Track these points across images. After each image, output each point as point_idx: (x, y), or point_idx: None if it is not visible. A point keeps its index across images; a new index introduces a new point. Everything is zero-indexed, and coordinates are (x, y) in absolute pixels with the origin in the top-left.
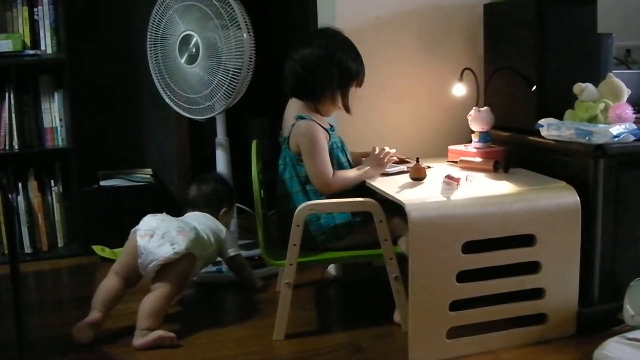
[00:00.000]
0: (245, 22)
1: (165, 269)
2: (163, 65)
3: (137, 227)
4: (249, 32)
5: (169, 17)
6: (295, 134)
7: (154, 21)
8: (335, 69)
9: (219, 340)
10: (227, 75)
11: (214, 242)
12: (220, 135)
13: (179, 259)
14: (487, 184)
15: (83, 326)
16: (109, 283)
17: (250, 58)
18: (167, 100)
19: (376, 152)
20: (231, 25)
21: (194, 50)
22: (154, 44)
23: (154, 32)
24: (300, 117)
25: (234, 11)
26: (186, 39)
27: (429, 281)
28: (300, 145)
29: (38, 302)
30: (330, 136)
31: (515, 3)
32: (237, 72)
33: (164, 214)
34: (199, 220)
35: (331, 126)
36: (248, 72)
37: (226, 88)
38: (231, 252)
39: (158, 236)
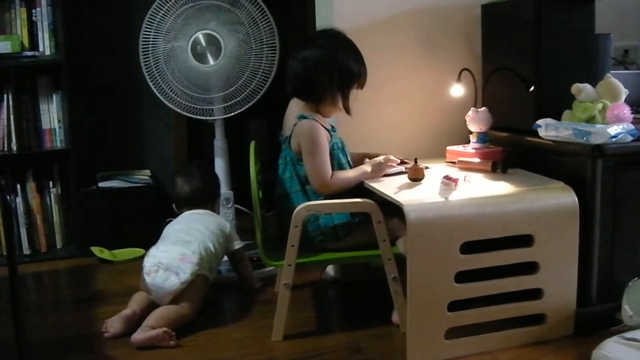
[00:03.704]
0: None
1: (182, 293)
2: (166, 67)
3: (146, 258)
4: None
5: (183, 17)
6: (297, 134)
7: (154, 22)
8: (336, 70)
9: (218, 341)
10: (256, 76)
11: (223, 241)
12: (219, 137)
13: (191, 283)
14: (485, 185)
15: (115, 319)
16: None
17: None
18: (168, 104)
19: (381, 159)
20: (264, 27)
21: (212, 50)
22: (154, 44)
23: (153, 30)
24: (303, 117)
25: (267, 14)
26: (200, 39)
27: (427, 282)
28: (301, 145)
29: (37, 304)
30: (331, 137)
31: (513, 4)
32: (267, 73)
33: (167, 237)
34: (206, 224)
35: (332, 127)
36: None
37: (253, 87)
38: (236, 245)
39: (163, 270)
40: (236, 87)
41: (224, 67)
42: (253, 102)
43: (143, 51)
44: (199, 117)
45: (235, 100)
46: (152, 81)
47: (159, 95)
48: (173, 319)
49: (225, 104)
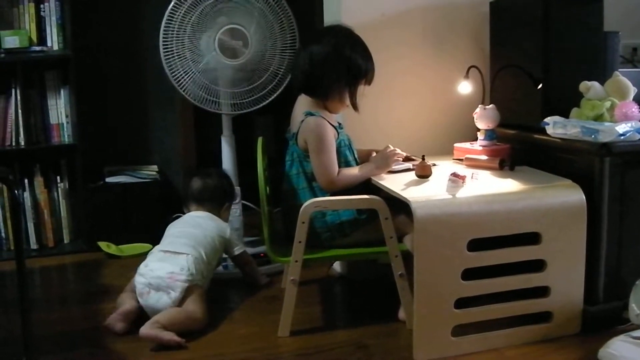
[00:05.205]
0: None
1: (183, 302)
2: (192, 62)
3: (135, 278)
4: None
5: (210, 11)
6: (304, 130)
7: (177, 15)
8: (343, 66)
9: (224, 336)
10: (278, 73)
11: (221, 247)
12: (226, 132)
13: (185, 295)
14: (492, 182)
15: (116, 317)
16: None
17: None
18: (194, 101)
19: (386, 151)
20: (286, 20)
21: (240, 44)
22: (179, 39)
23: (176, 25)
24: (310, 114)
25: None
26: (223, 36)
27: (434, 279)
28: (308, 142)
29: (43, 298)
30: (338, 134)
31: (521, 1)
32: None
33: (155, 251)
34: (204, 226)
35: (339, 124)
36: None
37: (279, 80)
38: (237, 250)
39: (154, 291)
40: (258, 84)
41: (250, 62)
42: (275, 94)
43: (164, 40)
44: (218, 111)
45: (258, 95)
46: (172, 74)
47: (183, 93)
48: (184, 320)
49: (246, 99)
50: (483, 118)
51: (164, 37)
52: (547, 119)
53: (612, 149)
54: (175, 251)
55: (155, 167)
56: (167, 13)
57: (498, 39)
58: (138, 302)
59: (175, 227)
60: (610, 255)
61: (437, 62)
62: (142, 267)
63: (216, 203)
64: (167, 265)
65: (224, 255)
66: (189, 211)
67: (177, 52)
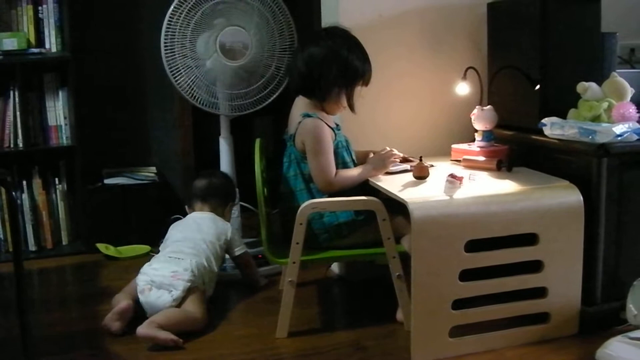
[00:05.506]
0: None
1: (184, 303)
2: (192, 62)
3: (137, 277)
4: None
5: (208, 11)
6: (302, 132)
7: (178, 15)
8: (340, 67)
9: (222, 337)
10: (280, 69)
11: (221, 251)
12: (224, 133)
13: (186, 295)
14: (490, 183)
15: (112, 317)
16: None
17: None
18: (194, 102)
19: (384, 152)
20: (285, 22)
21: (240, 45)
22: (179, 41)
23: (177, 26)
24: (307, 115)
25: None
26: (225, 36)
27: (431, 280)
28: (305, 143)
29: (42, 300)
30: (336, 135)
31: (518, 2)
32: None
33: (160, 255)
34: (206, 230)
35: (337, 125)
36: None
37: (278, 81)
38: (237, 250)
39: (155, 288)
40: (257, 85)
41: (249, 63)
42: (274, 96)
43: (165, 42)
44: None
45: (257, 96)
46: (173, 76)
47: (184, 94)
48: (182, 320)
49: (245, 101)
50: (481, 119)
51: (165, 39)
52: (544, 120)
53: (609, 150)
54: (178, 258)
55: (153, 169)
56: (168, 14)
57: (496, 40)
58: (133, 300)
59: (178, 230)
60: (607, 256)
61: (435, 63)
62: (146, 267)
63: (220, 201)
64: (171, 265)
65: (225, 256)
66: (193, 210)
67: (178, 53)
